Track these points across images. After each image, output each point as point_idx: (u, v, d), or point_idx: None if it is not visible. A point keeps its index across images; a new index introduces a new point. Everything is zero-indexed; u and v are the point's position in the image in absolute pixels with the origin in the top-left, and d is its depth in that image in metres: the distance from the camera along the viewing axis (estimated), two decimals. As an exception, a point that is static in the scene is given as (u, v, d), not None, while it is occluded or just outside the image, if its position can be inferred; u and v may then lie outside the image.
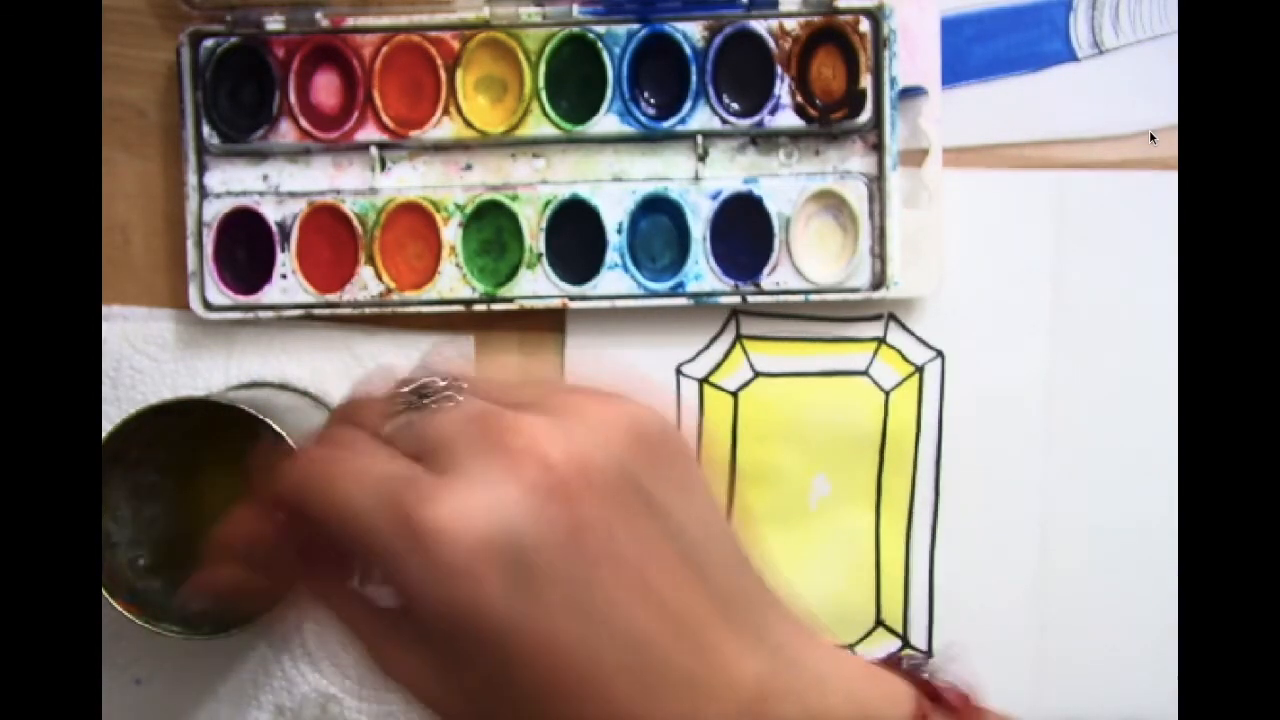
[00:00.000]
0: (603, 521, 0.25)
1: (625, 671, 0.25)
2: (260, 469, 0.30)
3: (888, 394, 0.49)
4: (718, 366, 0.50)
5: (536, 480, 0.25)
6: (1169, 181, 0.49)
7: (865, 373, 0.49)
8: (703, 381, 0.50)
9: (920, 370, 0.49)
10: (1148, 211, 0.49)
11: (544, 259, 0.49)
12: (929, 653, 0.49)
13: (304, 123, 0.49)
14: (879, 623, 0.49)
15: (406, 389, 0.28)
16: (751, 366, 0.50)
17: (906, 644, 0.49)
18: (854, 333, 0.50)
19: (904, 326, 0.49)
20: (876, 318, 0.49)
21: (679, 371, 0.50)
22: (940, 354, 0.49)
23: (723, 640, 0.26)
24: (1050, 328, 0.49)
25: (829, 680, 0.27)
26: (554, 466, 0.25)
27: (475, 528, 0.25)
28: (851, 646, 0.49)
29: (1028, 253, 0.49)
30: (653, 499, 0.27)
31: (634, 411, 0.28)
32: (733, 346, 0.50)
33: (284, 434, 0.43)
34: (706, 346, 0.50)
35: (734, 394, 0.50)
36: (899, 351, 0.49)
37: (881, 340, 0.49)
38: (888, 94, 0.48)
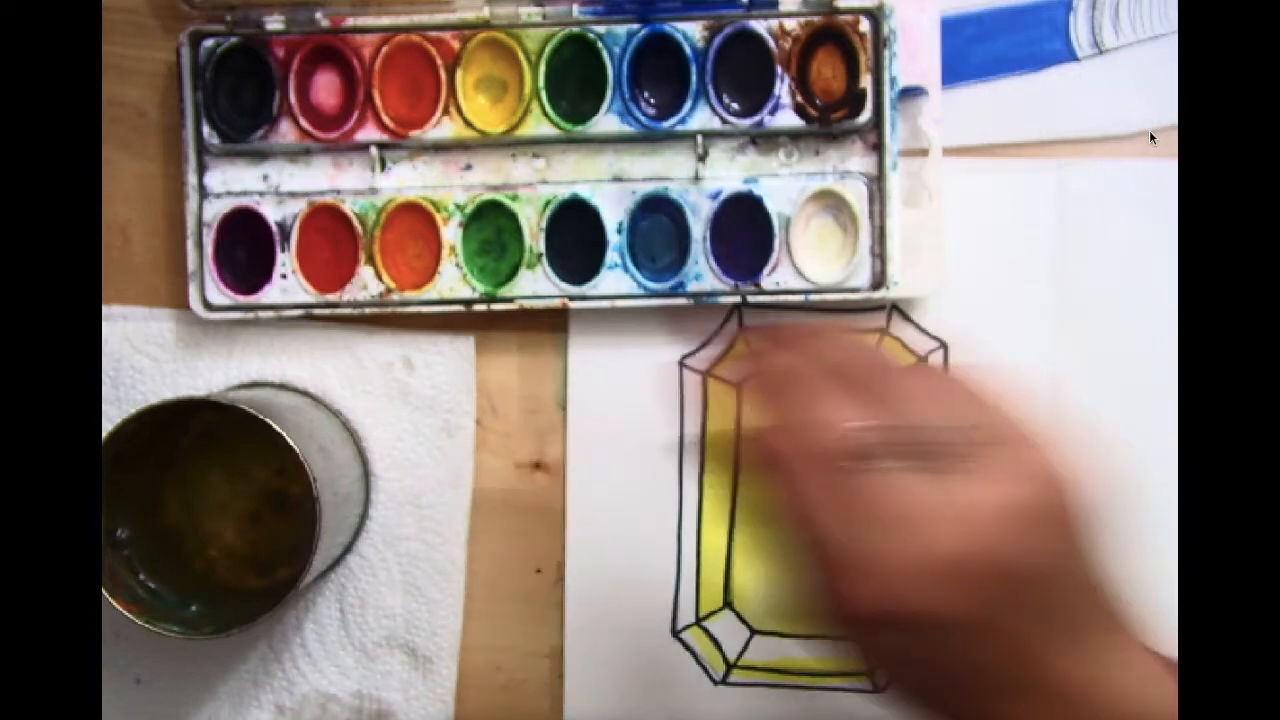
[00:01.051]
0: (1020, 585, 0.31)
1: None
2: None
3: None
4: (721, 358, 0.50)
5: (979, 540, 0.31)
6: (1169, 170, 0.49)
7: None
8: (706, 374, 0.50)
9: (924, 360, 0.49)
10: (1149, 200, 0.49)
11: (544, 259, 0.49)
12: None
13: (304, 123, 0.49)
14: None
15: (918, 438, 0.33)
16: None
17: None
18: (857, 324, 0.50)
19: (907, 317, 0.49)
20: (879, 308, 0.49)
21: (682, 364, 0.50)
22: (943, 344, 0.49)
23: (1050, 656, 0.32)
24: (1053, 316, 0.49)
25: (1137, 678, 0.33)
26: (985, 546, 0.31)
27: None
28: None
29: (1030, 242, 0.49)
30: (1037, 560, 0.32)
31: (1053, 476, 0.32)
32: (736, 338, 0.50)
33: (284, 434, 0.43)
34: (709, 339, 0.50)
35: (738, 386, 0.50)
36: (902, 342, 0.49)
37: (884, 331, 0.49)
38: (888, 94, 0.48)
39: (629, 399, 0.50)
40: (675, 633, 0.50)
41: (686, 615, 0.50)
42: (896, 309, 0.49)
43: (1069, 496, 0.32)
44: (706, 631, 0.50)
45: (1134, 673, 0.33)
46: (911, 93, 0.49)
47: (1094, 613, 0.33)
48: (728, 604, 0.50)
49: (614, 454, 0.50)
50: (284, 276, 0.49)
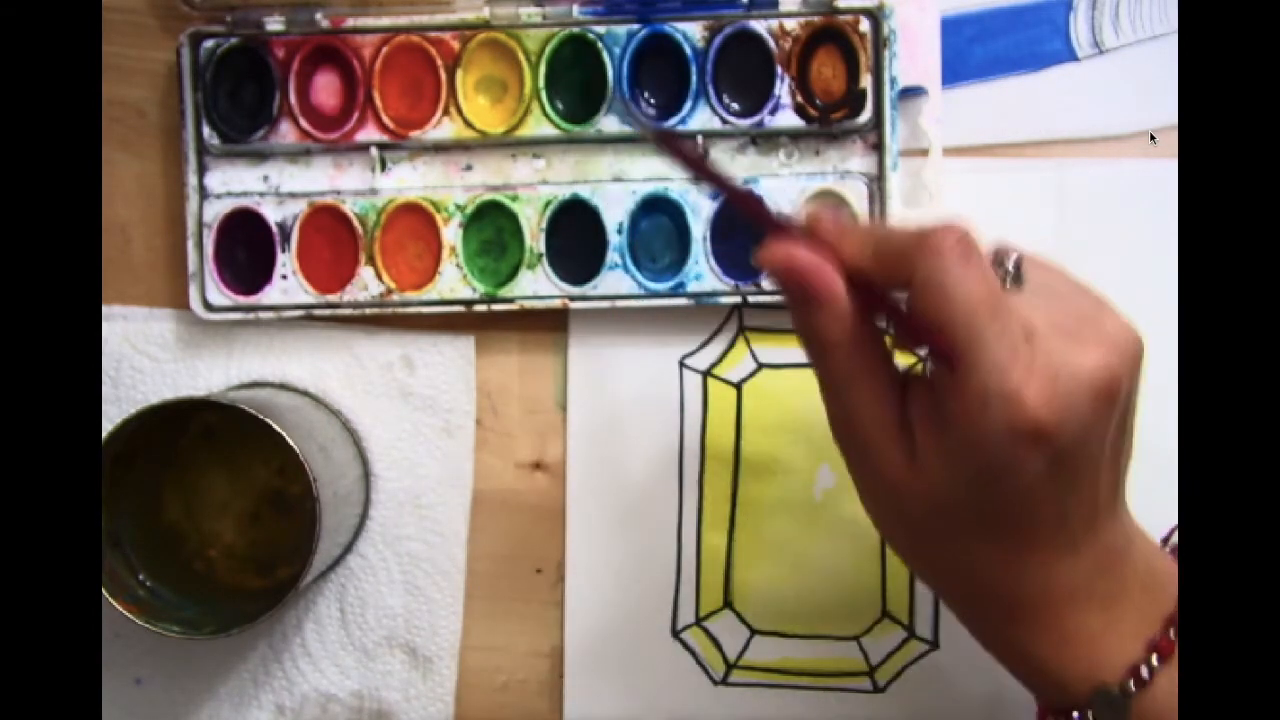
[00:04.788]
0: (1096, 431, 0.33)
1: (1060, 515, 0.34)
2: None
3: None
4: (721, 359, 0.50)
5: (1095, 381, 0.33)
6: (1169, 170, 0.49)
7: None
8: (706, 374, 0.50)
9: (924, 360, 0.49)
10: (1149, 200, 0.49)
11: (544, 259, 0.49)
12: (934, 643, 0.49)
13: (304, 123, 0.49)
14: (884, 614, 0.49)
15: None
16: (755, 358, 0.50)
17: (912, 635, 0.49)
18: None
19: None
20: None
21: (682, 364, 0.50)
22: None
23: (1107, 514, 0.35)
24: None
25: (1135, 540, 0.36)
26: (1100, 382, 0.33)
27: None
28: (857, 638, 0.49)
29: (1030, 242, 0.49)
30: (1123, 418, 0.34)
31: (1139, 351, 0.34)
32: (736, 339, 0.50)
33: (284, 434, 0.43)
34: (709, 339, 0.50)
35: (737, 386, 0.50)
36: None
37: (885, 331, 0.49)
38: (888, 94, 0.48)
39: (629, 399, 0.50)
40: (675, 633, 0.50)
41: (686, 615, 0.50)
42: None
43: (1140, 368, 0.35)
44: (706, 631, 0.50)
45: (1149, 543, 0.36)
46: (911, 93, 0.49)
47: (1123, 479, 0.35)
48: (728, 604, 0.50)
49: (614, 454, 0.50)
50: (284, 277, 0.49)
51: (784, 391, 0.49)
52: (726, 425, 0.50)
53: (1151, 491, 0.47)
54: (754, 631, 0.50)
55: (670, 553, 0.50)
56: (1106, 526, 0.34)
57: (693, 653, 0.50)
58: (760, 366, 0.50)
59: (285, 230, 0.49)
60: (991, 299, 0.32)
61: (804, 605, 0.50)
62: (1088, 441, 0.33)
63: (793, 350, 0.50)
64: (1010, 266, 0.34)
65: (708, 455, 0.50)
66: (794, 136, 0.49)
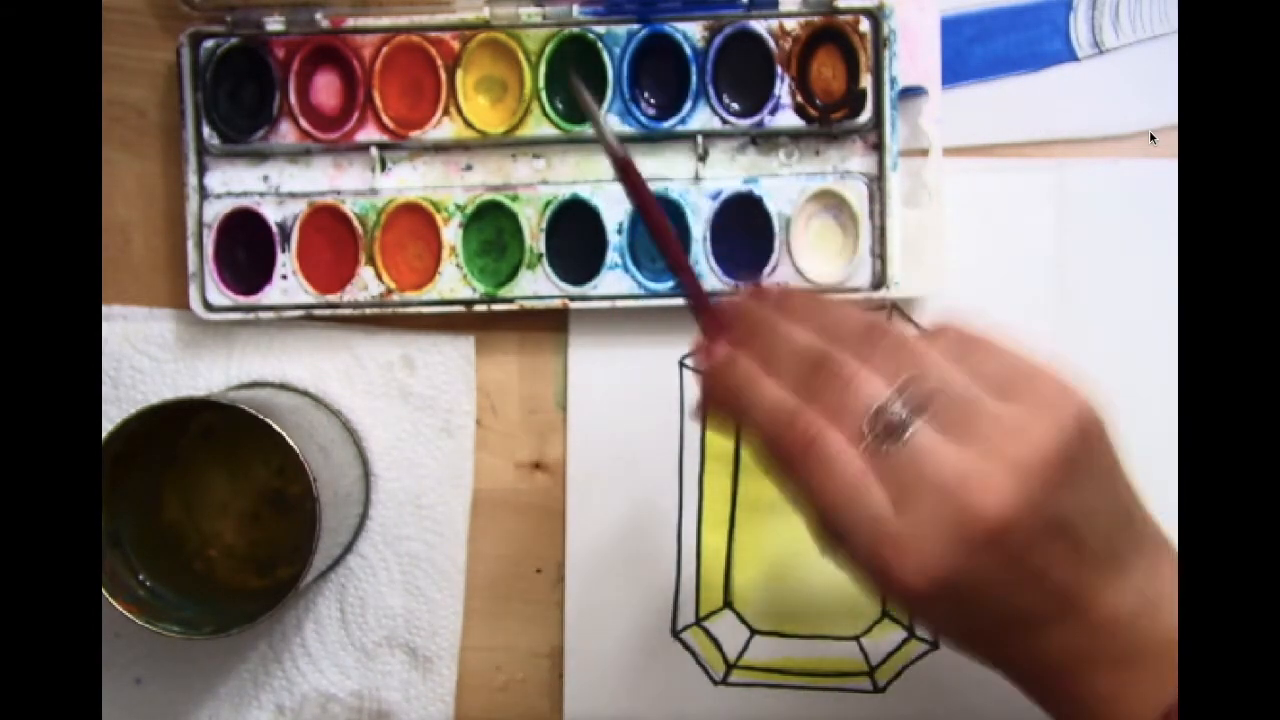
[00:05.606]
0: (1041, 533, 0.32)
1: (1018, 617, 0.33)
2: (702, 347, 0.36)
3: None
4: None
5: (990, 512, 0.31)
6: (1169, 170, 0.49)
7: None
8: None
9: None
10: (1148, 199, 0.49)
11: (544, 259, 0.49)
12: (934, 644, 0.49)
13: (304, 123, 0.49)
14: (884, 614, 0.49)
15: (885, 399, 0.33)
16: None
17: (912, 635, 0.49)
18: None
19: (906, 317, 0.49)
20: (880, 308, 0.49)
21: (682, 364, 0.50)
22: None
23: (1093, 590, 0.33)
24: (1053, 316, 0.49)
25: (1162, 605, 0.33)
26: (998, 510, 0.31)
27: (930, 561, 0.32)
28: (857, 638, 0.49)
29: (1030, 242, 0.49)
30: (1076, 501, 0.32)
31: (1082, 408, 0.33)
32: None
33: (284, 434, 0.43)
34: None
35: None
36: None
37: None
38: (888, 94, 0.48)
39: (629, 399, 0.50)
40: (675, 633, 0.50)
41: (686, 615, 0.50)
42: (896, 308, 0.49)
43: (1101, 424, 0.33)
44: (706, 631, 0.50)
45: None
46: (911, 93, 0.49)
47: (1134, 540, 0.34)
48: (728, 604, 0.50)
49: (614, 454, 0.50)
50: (284, 277, 0.49)
51: None
52: (726, 425, 0.50)
53: (1151, 492, 0.47)
54: (754, 631, 0.50)
55: (670, 553, 0.50)
56: (1106, 592, 0.33)
57: (693, 653, 0.50)
58: None
59: (285, 230, 0.49)
60: (846, 490, 0.32)
61: (804, 605, 0.50)
62: (1001, 572, 0.32)
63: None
64: (891, 420, 0.32)
65: (708, 455, 0.50)
66: (794, 136, 0.49)
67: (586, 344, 0.50)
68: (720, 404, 0.35)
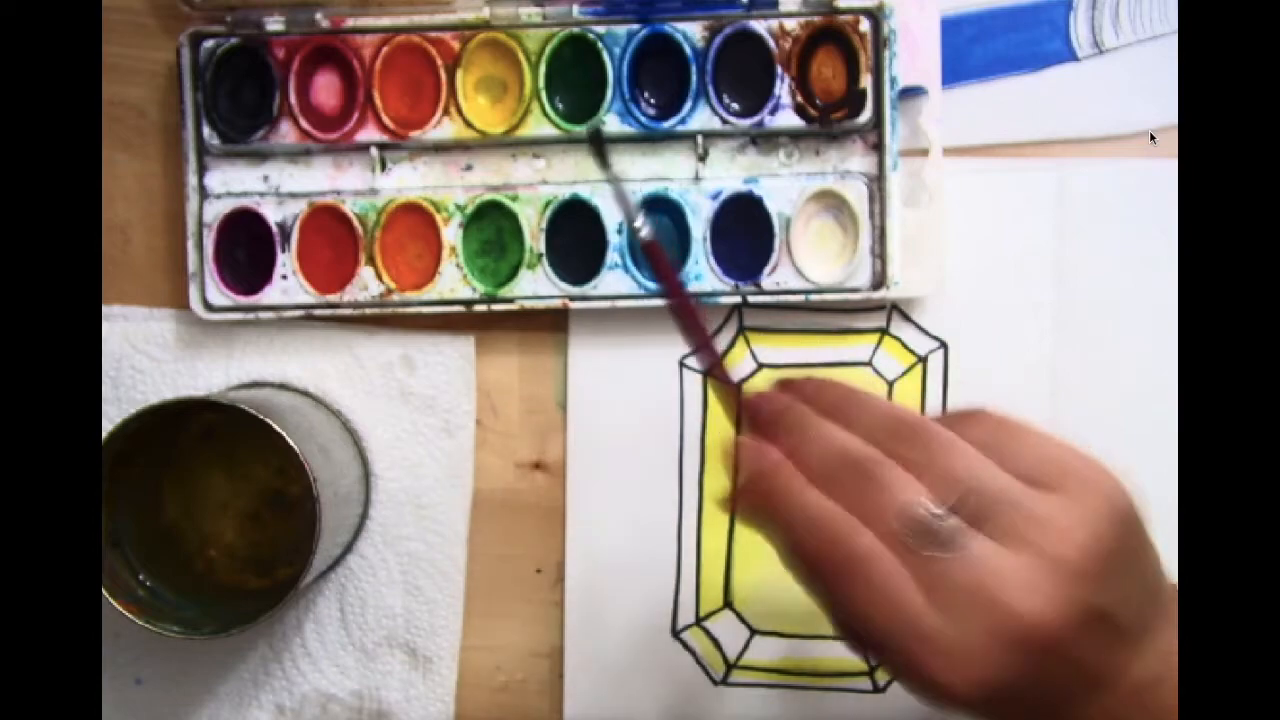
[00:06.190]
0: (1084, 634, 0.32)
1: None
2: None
3: (891, 384, 0.50)
4: (721, 359, 0.50)
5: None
6: (1169, 169, 0.49)
7: (869, 363, 0.49)
8: (706, 374, 0.50)
9: (923, 360, 0.49)
10: (1148, 199, 0.49)
11: (544, 259, 0.49)
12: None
13: (304, 123, 0.49)
14: None
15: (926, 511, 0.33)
16: (755, 358, 0.50)
17: None
18: (857, 324, 0.50)
19: (907, 317, 0.49)
20: (879, 308, 0.49)
21: (682, 364, 0.50)
22: (943, 344, 0.49)
23: (1126, 665, 0.33)
24: (1053, 316, 0.49)
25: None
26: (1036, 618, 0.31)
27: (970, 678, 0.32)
28: None
29: (1030, 242, 0.49)
30: (1114, 590, 0.32)
31: (1115, 495, 0.33)
32: (736, 339, 0.50)
33: (284, 434, 0.43)
34: (709, 339, 0.50)
35: (737, 386, 0.50)
36: (902, 342, 0.49)
37: (884, 331, 0.49)
38: (888, 94, 0.48)
39: (629, 399, 0.50)
40: (675, 633, 0.50)
41: (686, 615, 0.50)
42: (896, 309, 0.49)
43: (1134, 507, 0.33)
44: (706, 631, 0.50)
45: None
46: (911, 93, 0.49)
47: (1159, 610, 0.34)
48: (728, 604, 0.50)
49: (614, 454, 0.50)
50: (284, 277, 0.49)
51: None
52: (726, 425, 0.50)
53: (1154, 488, 0.47)
54: (754, 631, 0.50)
55: (670, 553, 0.50)
56: (1135, 664, 0.33)
57: (693, 653, 0.50)
58: (760, 366, 0.50)
59: (285, 230, 0.49)
60: (885, 602, 0.32)
61: (804, 605, 0.49)
62: (1035, 674, 0.32)
63: (793, 350, 0.50)
64: (929, 524, 0.32)
65: (708, 455, 0.50)
66: (794, 136, 0.49)
67: (586, 344, 0.50)
68: (759, 507, 0.35)
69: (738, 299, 0.49)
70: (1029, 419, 0.34)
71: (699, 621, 0.50)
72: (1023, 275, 0.49)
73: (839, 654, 0.49)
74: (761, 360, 0.50)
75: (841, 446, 0.34)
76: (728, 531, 0.50)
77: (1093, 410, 0.49)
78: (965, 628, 0.31)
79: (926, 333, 0.49)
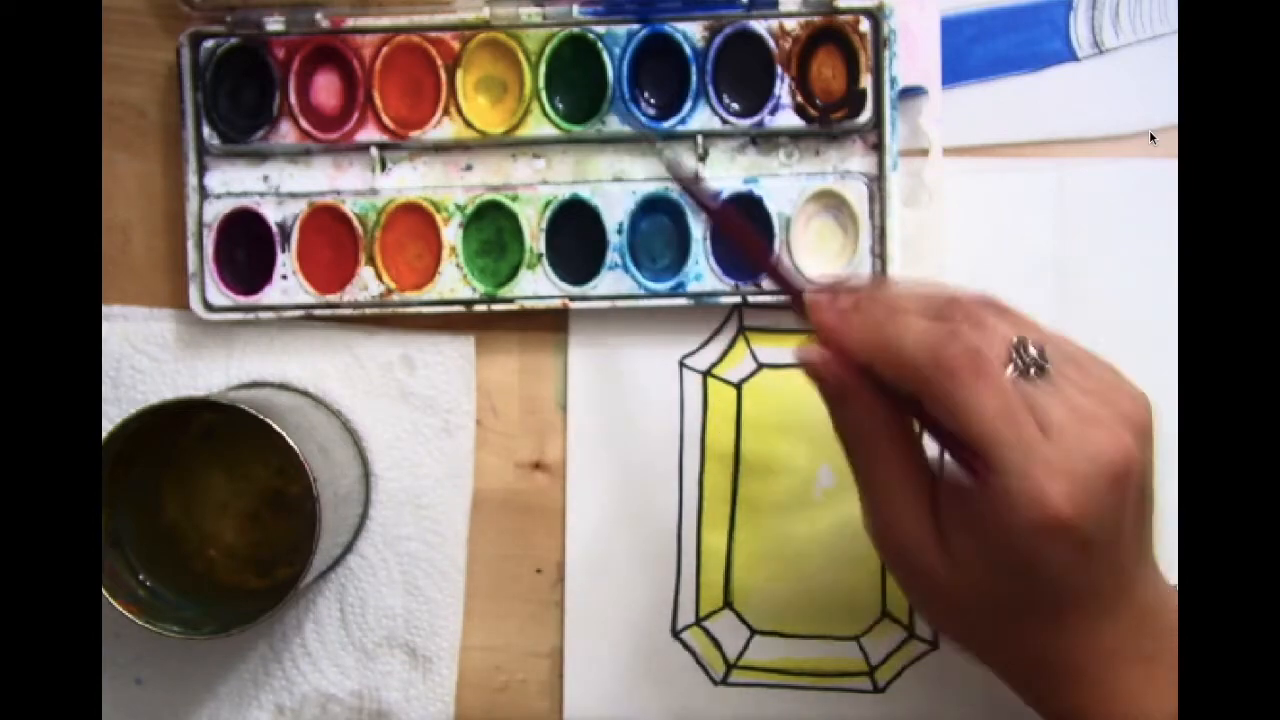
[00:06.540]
0: (1129, 506, 0.35)
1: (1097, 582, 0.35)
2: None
3: None
4: (721, 359, 0.50)
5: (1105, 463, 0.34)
6: (1169, 170, 0.49)
7: None
8: (706, 374, 0.50)
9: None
10: (1149, 201, 0.49)
11: (544, 259, 0.49)
12: (934, 644, 0.49)
13: (304, 123, 0.49)
14: (884, 614, 0.49)
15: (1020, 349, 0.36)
16: (755, 358, 0.50)
17: (912, 635, 0.49)
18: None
19: None
20: None
21: (682, 364, 0.50)
22: None
23: (1138, 579, 0.36)
24: (1055, 319, 0.49)
25: (1170, 605, 0.37)
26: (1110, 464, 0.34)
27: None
28: (857, 638, 0.49)
29: (1030, 241, 0.49)
30: (1140, 489, 0.36)
31: (1146, 411, 0.36)
32: (736, 339, 0.50)
33: (284, 434, 0.43)
34: (709, 339, 0.50)
35: (737, 386, 0.50)
36: None
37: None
38: (888, 94, 0.48)
39: (629, 399, 0.50)
40: (675, 633, 0.50)
41: (686, 615, 0.50)
42: None
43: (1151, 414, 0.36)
44: (706, 631, 0.50)
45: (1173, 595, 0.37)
46: (911, 93, 0.49)
47: (1149, 539, 0.37)
48: (728, 604, 0.50)
49: (614, 454, 0.50)
50: (284, 277, 0.49)
51: (784, 391, 0.49)
52: (726, 425, 0.50)
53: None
54: (754, 631, 0.50)
55: (670, 553, 0.50)
56: (1138, 588, 0.36)
57: (693, 653, 0.50)
58: (760, 366, 0.50)
59: (285, 230, 0.49)
60: (1007, 409, 0.34)
61: (804, 605, 0.50)
62: (1111, 522, 0.34)
63: (793, 350, 0.49)
64: (1032, 356, 0.35)
65: (707, 455, 0.50)
66: (794, 136, 0.49)
67: (586, 344, 0.50)
68: (862, 341, 0.36)
69: (738, 299, 0.49)
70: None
71: (699, 621, 0.50)
72: (1023, 275, 0.49)
73: (839, 654, 0.50)
74: (761, 360, 0.50)
75: (929, 293, 0.37)
76: (728, 531, 0.50)
77: None
78: (1067, 450, 0.33)
79: None
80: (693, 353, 0.50)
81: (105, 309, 0.50)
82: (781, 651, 0.50)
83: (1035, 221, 0.49)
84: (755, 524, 0.50)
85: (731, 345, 0.50)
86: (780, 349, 0.50)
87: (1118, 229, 0.49)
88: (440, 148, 0.50)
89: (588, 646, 0.50)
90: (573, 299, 0.49)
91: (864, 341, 0.36)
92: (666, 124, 0.48)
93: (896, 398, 0.36)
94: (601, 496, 0.50)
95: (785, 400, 0.49)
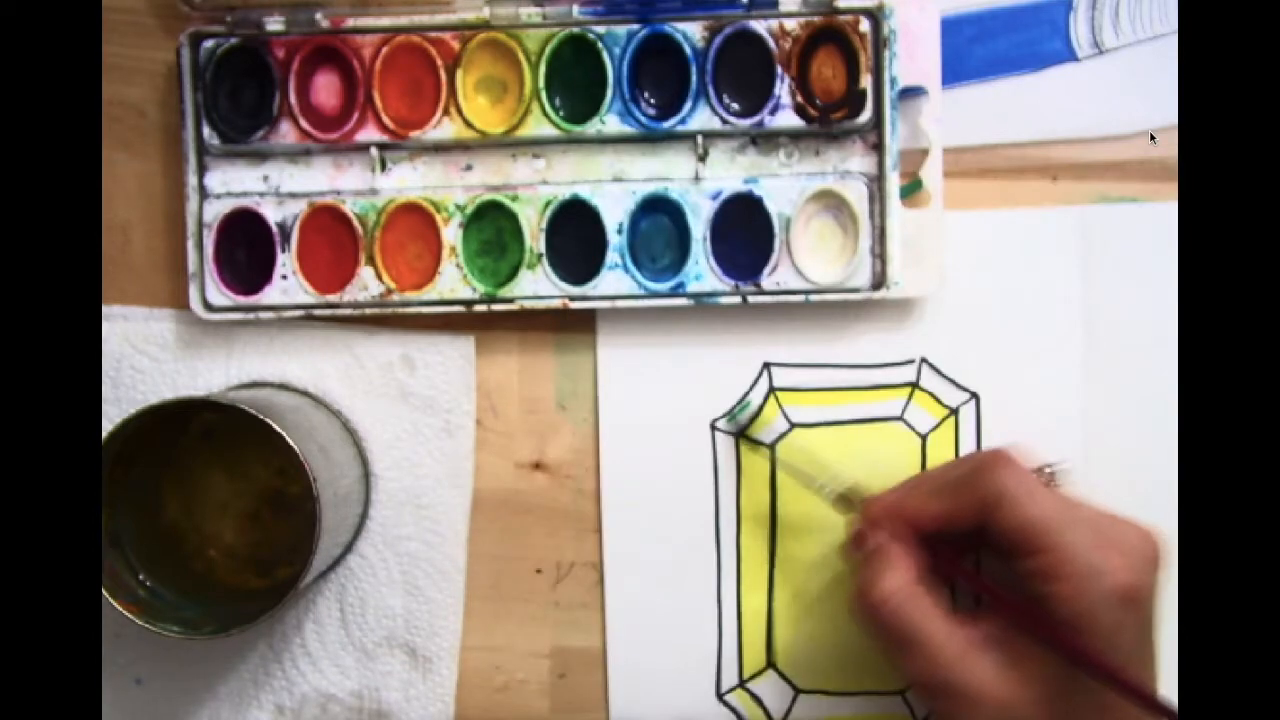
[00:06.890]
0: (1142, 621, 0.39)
1: None
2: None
3: (924, 438, 0.49)
4: (753, 420, 0.49)
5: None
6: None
7: (900, 418, 0.49)
8: (738, 437, 0.50)
9: (955, 412, 0.49)
10: (1172, 240, 0.48)
11: (544, 259, 0.49)
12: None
13: (304, 123, 0.49)
14: None
15: None
16: (787, 418, 0.49)
17: None
18: (887, 379, 0.49)
19: (936, 370, 0.49)
20: (909, 362, 0.49)
21: (714, 428, 0.50)
22: (974, 395, 0.49)
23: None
24: (1083, 362, 0.49)
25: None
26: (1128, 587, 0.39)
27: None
28: (902, 693, 0.49)
29: (1057, 289, 0.49)
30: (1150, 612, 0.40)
31: (1154, 546, 0.40)
32: (766, 399, 0.49)
33: (284, 434, 0.43)
34: (740, 402, 0.49)
35: (770, 446, 0.49)
36: (933, 395, 0.49)
37: (915, 385, 0.49)
38: (888, 94, 0.48)
39: (662, 465, 0.50)
40: (720, 695, 0.49)
41: (730, 677, 0.49)
42: (926, 362, 0.49)
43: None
44: (750, 693, 0.49)
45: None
46: (911, 93, 0.49)
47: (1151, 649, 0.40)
48: (771, 664, 0.49)
49: (649, 517, 0.49)
50: (284, 277, 0.49)
51: (818, 448, 0.49)
52: (761, 486, 0.49)
53: (1152, 499, 0.47)
54: (798, 691, 0.49)
55: (710, 614, 0.49)
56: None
57: (738, 715, 0.49)
58: (793, 426, 0.49)
59: (285, 230, 0.49)
60: (1059, 495, 0.40)
61: (847, 662, 0.49)
62: (1153, 600, 0.39)
63: (824, 408, 0.49)
64: (1050, 472, 0.43)
65: (743, 517, 0.49)
66: (794, 136, 0.49)
67: (617, 343, 0.50)
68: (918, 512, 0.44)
69: (738, 299, 0.49)
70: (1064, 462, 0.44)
71: (742, 683, 0.49)
72: (1051, 327, 0.49)
73: (884, 709, 0.49)
74: (794, 420, 0.49)
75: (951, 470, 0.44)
76: (767, 590, 0.49)
77: (1126, 454, 0.48)
78: (1094, 559, 0.38)
79: (957, 384, 0.49)
80: (723, 416, 0.50)
81: (105, 309, 0.51)
82: (827, 709, 0.49)
83: (1062, 267, 0.49)
84: (794, 583, 0.49)
85: (762, 406, 0.49)
86: (812, 408, 0.49)
87: (1145, 274, 0.49)
88: (440, 148, 0.50)
89: (634, 712, 0.49)
90: (573, 299, 0.49)
91: (914, 497, 0.43)
92: (666, 124, 0.48)
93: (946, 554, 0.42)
94: (640, 571, 0.49)
95: (820, 458, 0.49)
